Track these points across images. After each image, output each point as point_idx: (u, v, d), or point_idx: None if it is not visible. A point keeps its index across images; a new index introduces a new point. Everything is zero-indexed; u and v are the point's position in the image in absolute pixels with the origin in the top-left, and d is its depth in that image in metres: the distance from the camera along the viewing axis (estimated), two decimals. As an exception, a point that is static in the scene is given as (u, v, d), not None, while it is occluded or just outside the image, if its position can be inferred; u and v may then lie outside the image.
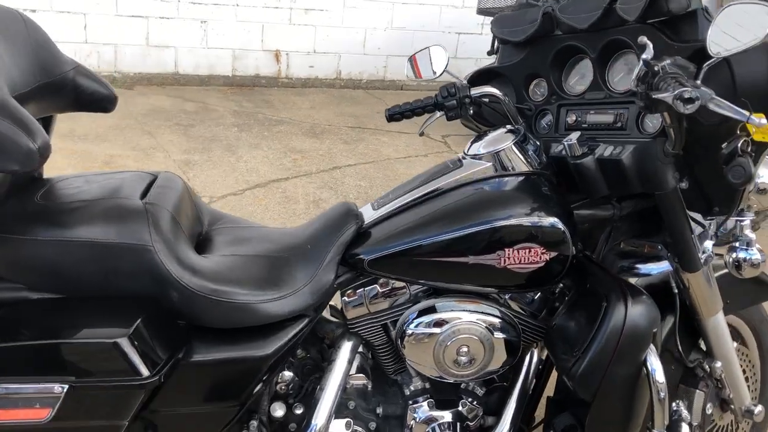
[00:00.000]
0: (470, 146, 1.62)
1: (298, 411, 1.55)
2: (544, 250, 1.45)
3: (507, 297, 1.59)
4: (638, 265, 1.66)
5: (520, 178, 1.52)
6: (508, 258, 1.44)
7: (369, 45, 6.48)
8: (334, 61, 6.44)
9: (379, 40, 6.49)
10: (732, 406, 1.76)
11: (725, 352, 1.67)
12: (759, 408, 1.74)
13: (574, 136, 1.52)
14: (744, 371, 1.87)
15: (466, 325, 1.49)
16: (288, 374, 1.58)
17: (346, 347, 1.56)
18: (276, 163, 4.32)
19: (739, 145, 1.27)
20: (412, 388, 1.62)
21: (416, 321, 1.50)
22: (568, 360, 1.43)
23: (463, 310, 1.51)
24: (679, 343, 1.59)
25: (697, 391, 1.71)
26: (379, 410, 1.61)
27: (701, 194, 1.49)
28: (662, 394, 1.40)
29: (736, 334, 1.89)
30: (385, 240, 1.50)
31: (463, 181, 1.55)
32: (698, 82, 1.25)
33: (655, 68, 1.22)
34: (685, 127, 1.35)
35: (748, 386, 1.89)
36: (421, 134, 1.92)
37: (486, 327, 1.50)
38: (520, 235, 1.44)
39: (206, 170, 4.06)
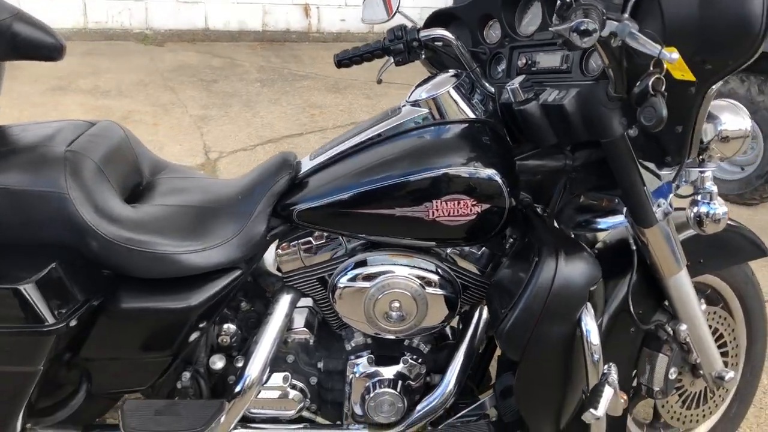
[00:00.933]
0: (412, 92, 1.54)
1: (239, 364, 1.53)
2: (474, 202, 1.37)
3: (450, 252, 1.52)
4: (597, 220, 1.55)
5: (455, 126, 1.44)
6: (437, 210, 1.36)
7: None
8: (366, 15, 6.30)
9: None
10: (701, 372, 1.65)
11: (691, 314, 1.55)
12: (730, 374, 1.63)
13: (517, 80, 1.42)
14: (722, 335, 1.75)
15: (397, 279, 1.43)
16: (231, 327, 1.56)
17: (282, 301, 1.52)
18: (293, 119, 4.29)
19: (650, 83, 1.15)
20: (353, 344, 1.58)
21: (347, 275, 1.45)
22: (498, 317, 1.36)
23: (395, 264, 1.45)
24: (632, 303, 1.49)
25: (660, 354, 1.61)
26: (321, 365, 1.58)
27: (653, 143, 1.37)
28: (596, 356, 1.32)
29: (718, 297, 1.77)
30: (314, 191, 1.45)
31: (399, 129, 1.47)
32: (625, 15, 1.13)
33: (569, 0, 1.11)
34: (625, 68, 1.24)
35: (727, 351, 1.77)
36: (379, 82, 1.84)
37: (418, 282, 1.44)
38: (448, 186, 1.36)
39: (221, 125, 4.07)
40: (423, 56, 1.60)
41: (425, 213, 1.37)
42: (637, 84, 1.17)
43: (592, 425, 1.39)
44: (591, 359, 1.31)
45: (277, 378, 1.55)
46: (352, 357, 1.57)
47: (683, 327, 1.56)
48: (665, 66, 1.15)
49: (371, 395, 1.52)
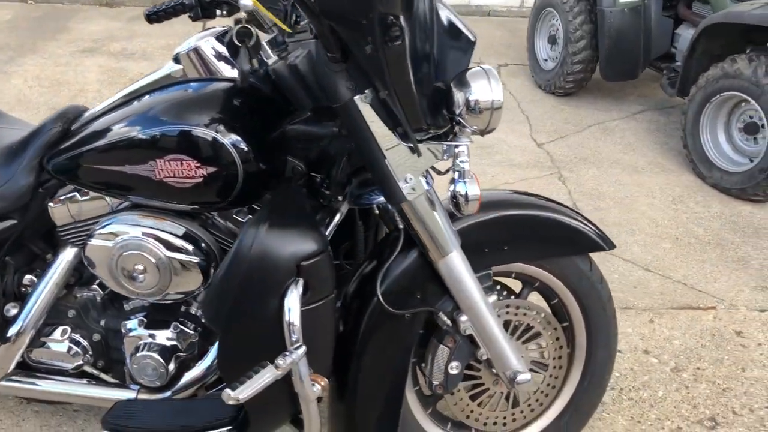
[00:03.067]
0: (179, 46, 1.49)
1: (12, 312, 1.56)
2: (198, 165, 1.31)
3: (217, 217, 1.47)
4: (373, 194, 1.44)
5: (199, 85, 1.38)
6: (162, 170, 1.32)
7: (451, -33, 6.10)
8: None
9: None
10: (493, 370, 1.50)
11: (471, 304, 1.42)
12: (524, 376, 1.48)
13: (267, 38, 1.34)
14: (539, 333, 1.59)
15: (137, 241, 1.40)
16: (29, 277, 1.59)
17: (61, 253, 1.54)
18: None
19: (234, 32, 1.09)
20: (132, 305, 1.57)
21: (95, 233, 1.44)
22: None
23: (138, 225, 1.42)
24: (380, 285, 1.37)
25: (441, 346, 1.48)
26: (104, 323, 1.58)
27: (388, 111, 1.25)
28: (294, 337, 1.22)
29: (551, 292, 1.60)
30: (69, 145, 1.43)
31: (154, 85, 1.43)
32: None
33: None
34: (328, 24, 1.13)
35: (546, 349, 1.60)
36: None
37: (161, 246, 1.40)
38: (170, 146, 1.31)
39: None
40: (221, 13, 1.54)
41: (152, 172, 1.33)
42: None
43: (304, 410, 1.30)
44: (289, 339, 1.22)
45: (57, 331, 1.57)
46: (129, 318, 1.56)
47: (463, 318, 1.43)
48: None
49: (135, 357, 1.50)
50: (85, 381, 1.61)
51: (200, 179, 1.32)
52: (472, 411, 1.60)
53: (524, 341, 1.59)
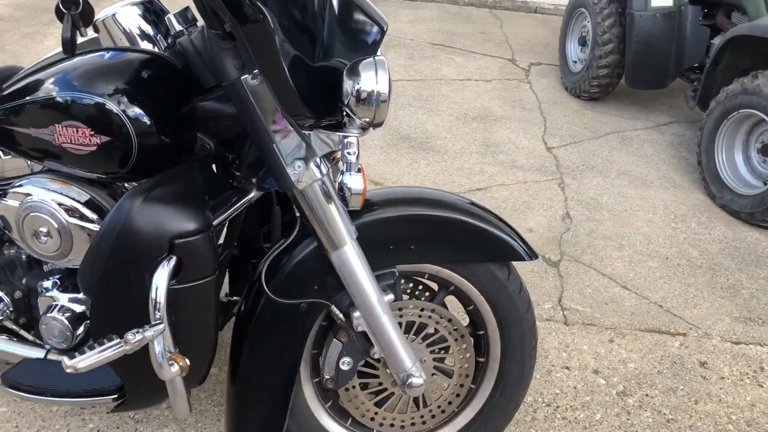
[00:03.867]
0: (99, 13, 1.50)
1: None
2: (93, 133, 1.31)
3: (128, 186, 1.48)
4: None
5: (108, 53, 1.37)
6: (60, 135, 1.33)
7: (499, -40, 5.96)
8: (459, -24, 6.05)
9: (511, -45, 5.93)
10: (388, 371, 1.47)
11: (364, 301, 1.38)
12: (416, 380, 1.44)
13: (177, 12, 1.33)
14: (446, 339, 1.53)
15: (40, 204, 1.42)
16: None
17: None
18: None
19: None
20: (50, 266, 1.60)
21: (8, 191, 1.46)
22: None
23: (45, 189, 1.43)
24: (266, 272, 1.35)
25: (334, 339, 1.45)
26: (25, 281, 1.61)
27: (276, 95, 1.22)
28: (158, 314, 1.22)
29: (466, 298, 1.55)
30: None
31: (80, 49, 1.44)
32: None
33: None
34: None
35: (452, 355, 1.55)
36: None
37: (62, 211, 1.42)
38: (66, 112, 1.31)
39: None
40: None
41: (52, 137, 1.33)
42: None
43: (169, 388, 1.30)
44: (153, 314, 1.22)
45: None
46: (45, 278, 1.58)
47: (357, 314, 1.40)
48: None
49: (45, 318, 1.53)
50: (5, 336, 1.65)
51: (95, 147, 1.32)
52: (368, 410, 1.56)
53: (429, 344, 1.54)
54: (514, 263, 1.56)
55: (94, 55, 1.38)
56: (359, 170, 1.26)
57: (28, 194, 1.44)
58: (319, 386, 1.58)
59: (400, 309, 1.50)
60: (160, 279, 1.22)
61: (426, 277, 1.55)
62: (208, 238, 1.28)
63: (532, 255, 1.52)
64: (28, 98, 1.37)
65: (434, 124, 3.73)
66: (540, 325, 2.25)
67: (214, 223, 1.35)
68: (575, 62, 4.37)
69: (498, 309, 1.55)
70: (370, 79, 1.20)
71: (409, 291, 1.59)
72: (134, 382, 1.37)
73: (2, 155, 1.52)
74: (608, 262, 2.64)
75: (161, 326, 1.21)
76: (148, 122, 1.32)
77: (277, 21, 1.13)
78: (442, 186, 3.10)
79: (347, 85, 1.21)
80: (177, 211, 1.25)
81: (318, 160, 1.29)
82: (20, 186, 1.45)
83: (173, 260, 1.24)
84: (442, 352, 1.57)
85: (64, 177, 1.44)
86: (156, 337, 1.21)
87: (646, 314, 2.37)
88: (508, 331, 1.57)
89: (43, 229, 1.44)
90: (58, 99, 1.32)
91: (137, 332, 1.19)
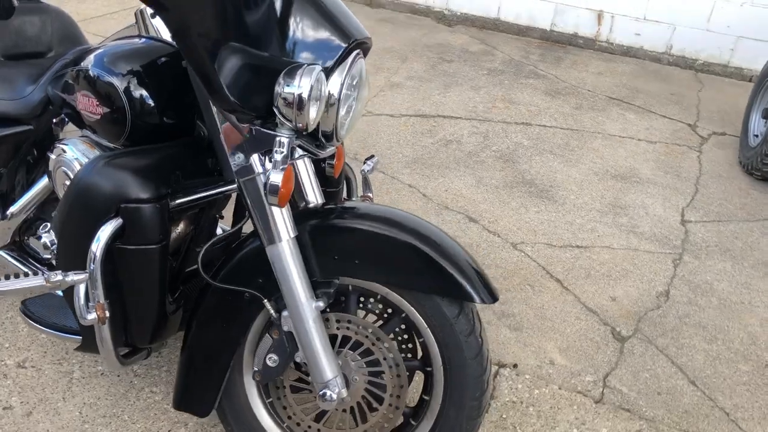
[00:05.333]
0: None
1: None
2: (98, 103, 1.52)
3: None
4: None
5: (137, 40, 1.60)
6: (80, 102, 1.57)
7: (715, 20, 5.48)
8: (666, 33, 5.66)
9: (729, 15, 5.42)
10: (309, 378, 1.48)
11: (292, 302, 1.43)
12: (331, 394, 1.45)
13: None
14: (378, 360, 1.50)
15: (66, 160, 1.66)
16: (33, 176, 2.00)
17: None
18: (470, 105, 4.32)
19: None
20: None
21: (53, 146, 1.74)
22: None
23: (74, 148, 1.68)
24: (203, 252, 1.45)
25: (267, 334, 1.50)
26: None
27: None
28: (92, 267, 1.37)
29: (416, 329, 1.51)
30: (59, 76, 1.77)
31: (123, 34, 1.69)
32: None
33: None
34: None
35: (385, 380, 1.51)
36: None
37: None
38: (85, 83, 1.54)
39: (400, 94, 4.36)
40: None
41: (75, 102, 1.58)
42: None
43: (96, 334, 1.45)
44: (88, 264, 1.38)
45: (42, 225, 1.93)
46: None
47: (285, 313, 1.45)
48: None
49: None
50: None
51: (99, 116, 1.53)
52: (295, 414, 1.58)
53: (368, 365, 1.52)
54: (486, 305, 1.48)
55: (126, 41, 1.61)
56: (283, 170, 1.30)
57: (64, 151, 1.70)
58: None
59: (338, 321, 1.51)
60: (102, 235, 1.38)
61: (378, 298, 1.53)
62: (156, 209, 1.41)
63: (486, 298, 1.42)
64: (70, 69, 1.63)
65: (566, 175, 3.57)
66: (566, 394, 2.06)
67: (178, 201, 1.47)
68: (756, 136, 3.88)
69: (443, 347, 1.48)
70: (295, 84, 1.25)
71: (377, 312, 1.57)
72: (83, 327, 1.55)
73: (66, 118, 1.82)
74: (686, 352, 2.33)
75: (84, 275, 1.37)
76: (144, 103, 1.49)
77: (214, 13, 1.22)
78: (537, 236, 2.96)
79: (277, 87, 1.27)
80: (131, 179, 1.40)
81: (261, 155, 1.36)
82: (62, 143, 1.72)
83: (118, 221, 1.39)
84: (380, 377, 1.54)
85: (92, 142, 1.68)
86: (78, 283, 1.36)
87: (703, 417, 2.05)
88: (452, 373, 1.49)
89: (67, 182, 1.69)
90: (85, 72, 1.55)
91: (60, 274, 1.35)
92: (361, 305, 1.57)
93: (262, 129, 1.33)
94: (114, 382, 1.95)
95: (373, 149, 3.64)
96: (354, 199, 1.97)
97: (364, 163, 1.98)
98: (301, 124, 1.28)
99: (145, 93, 1.50)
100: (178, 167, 1.50)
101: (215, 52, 1.22)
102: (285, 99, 1.26)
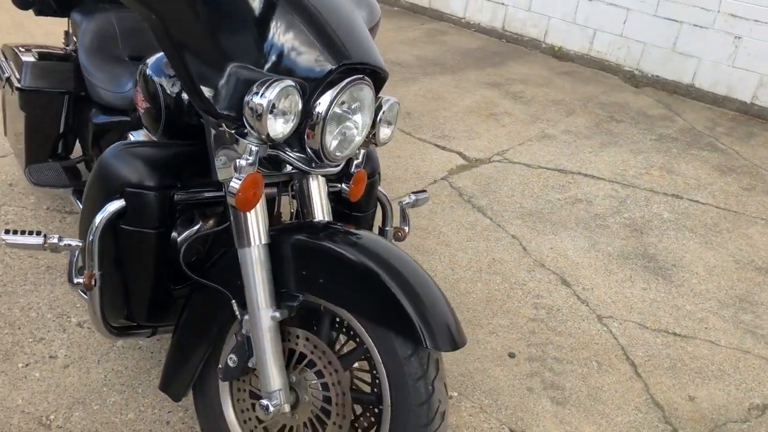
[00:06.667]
0: None
1: None
2: (142, 99, 1.72)
3: None
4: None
5: None
6: (136, 95, 1.77)
7: None
8: None
9: None
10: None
11: (251, 306, 1.49)
12: (268, 405, 1.47)
13: None
14: (323, 374, 1.48)
15: None
16: None
17: None
18: (616, 167, 4.06)
19: None
20: None
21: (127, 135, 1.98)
22: None
23: (136, 138, 1.89)
24: (183, 253, 1.55)
25: (233, 334, 1.56)
26: None
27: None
28: (90, 238, 1.53)
29: (372, 363, 1.48)
30: None
31: None
32: None
33: None
34: None
35: (329, 411, 1.49)
36: None
37: None
38: (140, 78, 1.74)
39: (546, 146, 4.24)
40: None
41: (136, 97, 1.79)
42: None
43: (87, 301, 1.61)
44: (87, 234, 1.54)
45: None
46: None
47: (246, 317, 1.51)
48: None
49: None
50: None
51: (143, 109, 1.72)
52: (250, 419, 1.60)
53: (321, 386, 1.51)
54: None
55: None
56: (243, 177, 1.35)
57: (130, 139, 1.92)
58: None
59: (298, 336, 1.52)
60: (104, 212, 1.54)
61: (345, 323, 1.52)
62: (156, 197, 1.54)
63: (440, 344, 1.34)
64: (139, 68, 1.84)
65: (697, 256, 3.19)
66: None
67: (184, 195, 1.59)
68: None
69: (392, 387, 1.43)
70: (259, 94, 1.30)
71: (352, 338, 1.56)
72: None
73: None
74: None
75: (76, 242, 1.53)
76: (179, 103, 1.65)
77: (196, 17, 1.32)
78: (632, 313, 2.69)
79: (247, 95, 1.33)
80: (138, 166, 1.55)
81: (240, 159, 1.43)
82: (132, 133, 1.95)
83: (121, 203, 1.54)
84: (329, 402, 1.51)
85: (148, 134, 1.89)
86: (72, 250, 1.53)
87: None
88: (397, 416, 1.43)
89: None
90: (143, 71, 1.75)
91: (56, 237, 1.53)
92: (335, 329, 1.57)
93: (235, 134, 1.40)
94: (145, 357, 2.13)
95: (492, 196, 3.56)
96: (386, 228, 1.97)
97: (408, 195, 1.97)
98: (263, 135, 1.33)
99: (181, 94, 1.65)
100: (192, 164, 1.63)
101: (197, 58, 1.33)
102: (251, 108, 1.32)
